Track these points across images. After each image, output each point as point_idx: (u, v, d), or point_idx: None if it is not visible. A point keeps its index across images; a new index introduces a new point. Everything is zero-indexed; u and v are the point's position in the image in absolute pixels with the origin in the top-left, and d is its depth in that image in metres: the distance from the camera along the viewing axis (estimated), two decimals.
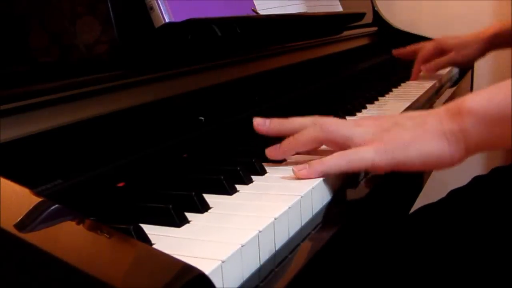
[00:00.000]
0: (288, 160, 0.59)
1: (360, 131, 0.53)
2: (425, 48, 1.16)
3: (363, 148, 0.51)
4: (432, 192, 0.93)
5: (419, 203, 0.79)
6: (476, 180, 0.80)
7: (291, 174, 0.53)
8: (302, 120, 0.56)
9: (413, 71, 1.15)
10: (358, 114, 0.82)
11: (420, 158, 0.50)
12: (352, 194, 0.54)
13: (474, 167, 1.63)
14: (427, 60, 1.15)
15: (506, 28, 1.10)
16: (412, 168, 0.51)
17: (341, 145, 0.53)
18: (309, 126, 0.55)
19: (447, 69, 1.26)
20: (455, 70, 1.34)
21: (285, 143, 0.55)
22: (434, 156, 0.50)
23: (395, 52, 1.23)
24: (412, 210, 0.78)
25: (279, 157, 0.56)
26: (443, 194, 0.79)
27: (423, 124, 0.51)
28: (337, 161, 0.51)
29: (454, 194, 0.77)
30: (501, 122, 0.48)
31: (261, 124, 0.57)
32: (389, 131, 0.52)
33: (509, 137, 0.48)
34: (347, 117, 0.78)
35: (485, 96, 0.49)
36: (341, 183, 0.55)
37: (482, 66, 1.49)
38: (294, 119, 0.57)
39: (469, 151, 0.50)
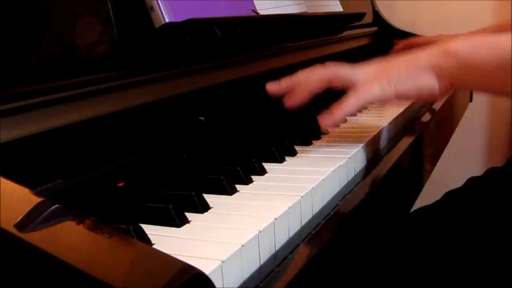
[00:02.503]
0: (288, 161, 0.59)
1: (361, 70, 0.60)
2: (419, 41, 1.15)
3: (370, 85, 0.58)
4: (432, 192, 0.93)
5: (419, 204, 0.79)
6: (471, 181, 0.80)
7: (291, 174, 0.53)
8: (309, 69, 0.63)
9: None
10: (358, 114, 0.82)
11: (415, 89, 0.58)
12: (352, 194, 0.54)
13: (473, 168, 1.63)
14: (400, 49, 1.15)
15: (504, 29, 1.08)
16: (410, 97, 0.60)
17: (346, 81, 0.60)
18: (314, 71, 0.61)
19: None
20: None
21: (298, 89, 0.61)
22: (426, 87, 0.58)
23: (396, 49, 1.22)
24: (412, 210, 0.78)
25: (296, 101, 0.61)
26: (441, 194, 0.79)
27: (415, 61, 0.59)
28: (352, 101, 0.57)
29: (450, 195, 0.78)
30: (478, 70, 0.56)
31: (272, 85, 0.63)
32: (387, 69, 0.59)
33: (484, 84, 0.57)
34: (347, 117, 0.78)
35: (471, 44, 0.57)
36: (341, 183, 0.55)
37: None
38: (301, 71, 0.63)
39: (453, 86, 0.59)
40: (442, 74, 0.58)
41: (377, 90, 0.58)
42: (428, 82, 0.58)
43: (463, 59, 0.56)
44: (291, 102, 0.61)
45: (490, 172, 0.82)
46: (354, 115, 0.81)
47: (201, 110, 0.63)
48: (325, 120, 0.58)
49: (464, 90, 1.31)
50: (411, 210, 0.78)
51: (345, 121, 0.78)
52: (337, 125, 0.59)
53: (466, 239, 0.67)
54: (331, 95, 0.67)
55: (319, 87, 0.61)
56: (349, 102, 0.58)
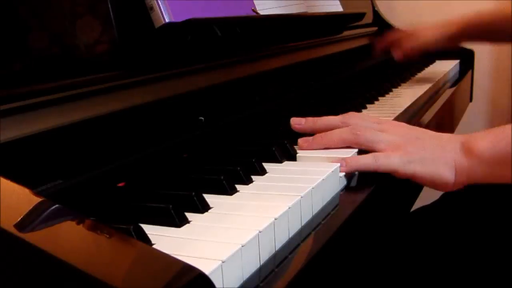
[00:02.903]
0: (288, 161, 0.59)
1: (385, 137, 0.59)
2: (395, 33, 1.18)
3: (392, 155, 0.57)
4: (432, 193, 0.93)
5: (419, 204, 0.79)
6: None
7: (291, 174, 0.53)
8: (333, 119, 0.64)
9: (377, 46, 1.18)
10: None
11: (431, 177, 0.57)
12: (352, 194, 0.54)
13: None
14: (394, 42, 1.16)
15: (480, 19, 1.09)
16: (422, 182, 0.58)
17: (366, 148, 0.60)
18: (340, 128, 0.62)
19: (447, 69, 1.26)
20: (455, 70, 1.34)
21: (318, 139, 0.62)
22: (442, 179, 0.57)
23: (378, 49, 1.22)
24: (411, 210, 0.78)
25: (308, 149, 0.62)
26: (439, 194, 0.79)
27: (442, 147, 0.58)
28: (369, 162, 0.57)
29: (448, 196, 0.78)
30: (501, 165, 0.56)
31: (297, 122, 0.65)
32: (412, 144, 0.58)
33: (507, 175, 0.56)
34: None
35: (492, 140, 0.57)
36: (341, 183, 0.55)
37: (482, 66, 1.50)
38: (325, 118, 0.65)
39: (469, 182, 0.58)
40: (461, 172, 0.57)
41: (396, 162, 0.57)
42: (445, 175, 0.57)
43: (483, 157, 0.56)
44: (304, 147, 0.62)
45: None
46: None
47: (201, 110, 0.63)
48: (340, 164, 0.56)
49: (465, 90, 1.31)
50: (411, 210, 0.78)
51: None
52: (346, 171, 0.57)
53: (464, 239, 0.67)
54: (332, 95, 0.67)
55: (338, 147, 0.61)
56: (366, 161, 0.57)
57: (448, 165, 0.57)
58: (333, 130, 0.62)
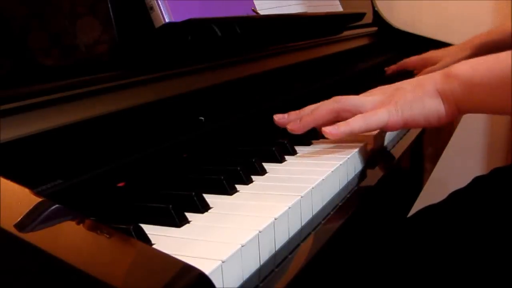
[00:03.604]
0: (288, 161, 0.59)
1: (369, 99, 0.61)
2: (413, 58, 1.17)
3: (379, 110, 0.58)
4: (431, 193, 0.93)
5: (419, 204, 0.79)
6: (477, 180, 0.80)
7: (291, 174, 0.53)
8: (315, 104, 0.64)
9: (390, 68, 1.17)
10: None
11: (422, 114, 0.58)
12: (351, 195, 0.54)
13: (474, 167, 1.63)
14: (410, 67, 1.16)
15: (492, 39, 1.12)
16: (418, 124, 0.59)
17: (355, 113, 0.60)
18: (323, 102, 0.62)
19: None
20: None
21: (306, 117, 0.62)
22: (434, 112, 0.58)
23: (388, 72, 1.23)
24: (412, 210, 0.78)
25: (300, 131, 0.62)
26: (442, 194, 0.79)
27: (421, 85, 0.59)
28: (359, 122, 0.57)
29: (455, 195, 0.77)
30: (481, 88, 0.56)
31: (280, 117, 0.64)
32: (394, 95, 0.60)
33: (489, 102, 0.57)
34: None
35: (471, 65, 0.58)
36: (341, 183, 0.55)
37: None
38: (308, 106, 0.64)
39: (460, 109, 0.58)
40: (447, 98, 0.58)
41: (385, 115, 0.58)
42: (434, 107, 0.58)
43: (464, 80, 0.57)
44: (296, 129, 0.61)
45: (496, 172, 0.82)
46: None
47: (201, 110, 0.63)
48: (330, 130, 0.57)
49: None
50: (413, 210, 0.78)
51: None
52: (338, 137, 0.58)
53: (471, 239, 0.67)
54: (332, 95, 0.67)
55: (327, 119, 0.61)
56: (356, 122, 0.58)
57: (433, 98, 0.58)
58: (318, 105, 0.63)
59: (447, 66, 1.13)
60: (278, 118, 0.64)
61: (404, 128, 0.60)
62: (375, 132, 0.67)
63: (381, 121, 0.58)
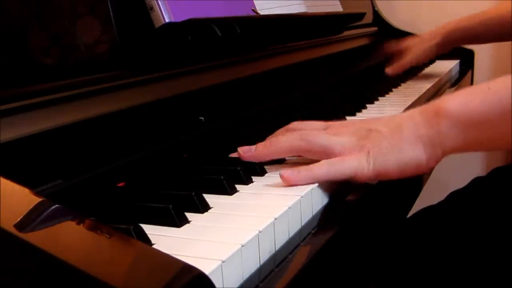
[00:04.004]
0: (288, 160, 0.59)
1: (338, 140, 0.52)
2: (389, 46, 1.22)
3: (347, 158, 0.50)
4: (431, 193, 0.93)
5: (418, 204, 0.79)
6: (476, 181, 0.80)
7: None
8: (277, 132, 0.57)
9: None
10: (358, 114, 0.82)
11: (398, 166, 0.50)
12: (352, 195, 0.54)
13: (473, 167, 1.63)
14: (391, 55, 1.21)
15: (461, 26, 1.15)
16: (391, 176, 0.51)
17: (319, 155, 0.52)
18: (288, 134, 0.55)
19: (447, 69, 1.26)
20: (456, 70, 1.34)
21: (260, 148, 0.54)
22: (411, 163, 0.50)
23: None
24: (412, 211, 0.78)
25: (250, 160, 0.54)
26: (442, 195, 0.78)
27: (399, 130, 0.51)
28: (324, 170, 0.50)
29: (454, 196, 0.77)
30: (476, 126, 0.48)
31: (246, 151, 0.55)
32: (367, 139, 0.51)
33: (484, 141, 0.50)
34: (347, 117, 0.78)
35: (462, 100, 0.50)
36: (340, 184, 0.55)
37: (482, 66, 1.50)
38: (277, 138, 0.55)
39: (445, 153, 0.51)
40: (431, 143, 0.50)
41: (354, 164, 0.50)
42: (414, 156, 0.50)
43: (455, 117, 0.49)
44: (246, 157, 0.54)
45: (495, 172, 0.81)
46: (354, 114, 0.81)
47: (201, 110, 0.63)
48: (289, 175, 0.49)
49: None
50: (413, 210, 0.78)
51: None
52: (297, 184, 0.50)
53: (471, 239, 0.66)
54: (332, 95, 0.67)
55: (286, 156, 0.56)
56: (321, 170, 0.50)
57: (412, 146, 0.50)
58: (280, 136, 0.55)
59: (415, 57, 1.16)
60: (243, 151, 0.55)
61: (375, 180, 0.52)
62: None
63: (349, 172, 0.50)
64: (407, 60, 1.16)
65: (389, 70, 1.17)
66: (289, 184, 0.49)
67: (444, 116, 0.49)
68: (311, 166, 0.50)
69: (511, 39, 1.16)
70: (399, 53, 1.19)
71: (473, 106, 0.48)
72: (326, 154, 0.52)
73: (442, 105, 0.50)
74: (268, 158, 0.55)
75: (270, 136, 0.58)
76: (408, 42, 1.20)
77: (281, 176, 0.49)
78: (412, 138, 0.50)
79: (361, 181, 0.51)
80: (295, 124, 0.58)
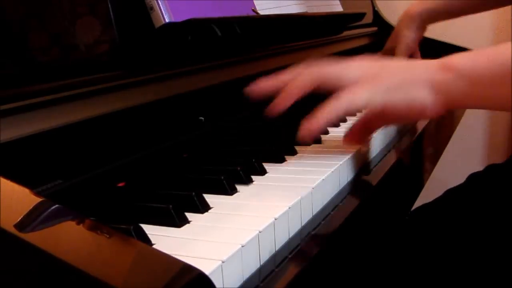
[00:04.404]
0: (288, 161, 0.59)
1: (351, 72, 0.55)
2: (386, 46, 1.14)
3: (358, 90, 0.53)
4: (432, 192, 0.93)
5: (420, 203, 0.79)
6: (472, 177, 0.80)
7: (291, 174, 0.53)
8: (292, 70, 0.58)
9: None
10: (358, 114, 0.82)
11: (406, 102, 0.53)
12: (352, 195, 0.54)
13: (472, 165, 1.63)
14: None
15: (435, 5, 1.08)
16: (398, 111, 0.53)
17: (333, 84, 0.54)
18: (302, 71, 0.57)
19: None
20: None
21: (283, 92, 0.55)
22: (418, 102, 0.53)
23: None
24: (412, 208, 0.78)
25: (282, 106, 0.56)
26: (441, 192, 0.79)
27: (411, 70, 0.54)
28: (337, 105, 0.52)
29: (450, 193, 0.78)
30: (479, 83, 0.52)
31: (254, 87, 0.57)
32: (378, 75, 0.54)
33: (485, 98, 0.53)
34: (348, 117, 0.78)
35: (471, 57, 0.53)
36: (341, 183, 0.55)
37: None
38: (283, 72, 0.57)
39: (448, 103, 0.54)
40: (438, 89, 0.53)
41: (364, 96, 0.52)
42: (421, 96, 0.53)
43: (462, 71, 0.52)
44: (277, 107, 0.56)
45: (490, 169, 0.82)
46: (354, 114, 0.81)
47: (201, 110, 0.63)
48: (307, 127, 0.52)
49: None
50: (412, 209, 0.78)
51: (345, 120, 0.78)
52: (319, 134, 0.54)
53: (466, 236, 0.67)
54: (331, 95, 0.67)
55: (307, 90, 0.56)
56: (333, 106, 0.52)
57: (421, 85, 0.53)
58: (295, 74, 0.57)
59: (403, 52, 1.08)
60: (253, 89, 0.57)
61: (381, 112, 0.55)
62: (376, 132, 0.67)
63: (360, 102, 0.53)
64: (397, 54, 1.09)
65: None
66: (308, 133, 0.52)
67: (452, 69, 0.53)
68: (324, 108, 0.53)
69: (488, 8, 1.09)
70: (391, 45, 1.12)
71: (478, 64, 0.52)
72: (339, 83, 0.54)
73: (452, 59, 0.54)
74: (294, 98, 0.55)
75: (274, 79, 0.59)
76: (388, 45, 1.13)
77: (301, 134, 0.53)
78: (422, 79, 0.53)
79: (370, 112, 0.55)
80: (303, 65, 0.59)
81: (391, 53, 1.11)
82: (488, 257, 0.63)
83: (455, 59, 0.53)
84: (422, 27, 1.10)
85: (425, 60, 0.56)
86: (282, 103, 0.55)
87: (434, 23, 1.14)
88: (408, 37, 1.08)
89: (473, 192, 0.75)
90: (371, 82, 0.53)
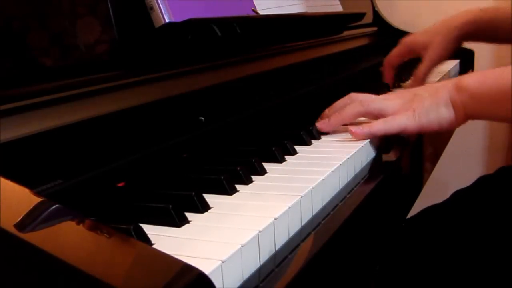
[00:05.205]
0: (288, 161, 0.59)
1: (390, 103, 0.67)
2: (393, 53, 1.05)
3: (398, 116, 0.65)
4: (432, 193, 0.93)
5: (419, 204, 0.79)
6: (482, 180, 0.80)
7: (291, 174, 0.53)
8: (341, 101, 0.72)
9: (385, 76, 1.05)
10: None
11: (437, 120, 0.65)
12: (351, 194, 0.54)
13: (473, 167, 1.63)
14: (396, 63, 1.04)
15: (480, 18, 0.99)
16: (432, 128, 0.66)
17: (376, 115, 0.67)
18: (351, 104, 0.69)
19: (447, 69, 1.26)
20: (455, 70, 1.34)
21: (333, 119, 0.69)
22: (446, 118, 0.65)
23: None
24: (412, 210, 0.78)
25: (329, 130, 0.69)
26: (442, 194, 0.79)
27: (436, 94, 0.66)
28: (380, 126, 0.65)
29: (459, 194, 0.78)
30: (487, 102, 0.63)
31: (323, 123, 0.69)
32: (412, 101, 0.66)
33: (495, 113, 0.64)
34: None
35: (478, 79, 0.64)
36: (341, 183, 0.55)
37: (482, 66, 1.50)
38: (334, 104, 0.72)
39: (468, 116, 0.65)
40: (457, 107, 0.64)
41: (404, 120, 0.64)
42: (447, 114, 0.65)
43: (473, 92, 0.63)
44: (324, 128, 0.69)
45: (501, 171, 0.81)
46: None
47: (201, 110, 0.63)
48: (355, 130, 0.64)
49: None
50: (416, 210, 0.78)
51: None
52: (360, 138, 0.64)
53: (475, 238, 0.67)
54: (332, 95, 0.67)
55: (353, 120, 0.69)
56: (378, 126, 0.65)
57: (445, 105, 0.65)
58: (346, 107, 0.69)
59: (437, 59, 1.00)
60: (321, 127, 0.70)
61: (420, 132, 0.68)
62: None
63: (400, 126, 0.64)
64: (426, 66, 0.98)
65: (412, 82, 1.00)
66: (356, 137, 0.64)
67: (464, 89, 0.64)
68: (371, 124, 0.65)
69: None
70: (409, 55, 1.03)
71: (486, 86, 0.63)
72: (382, 114, 0.67)
73: (463, 80, 0.65)
74: (341, 124, 0.69)
75: (330, 107, 0.73)
76: (413, 40, 1.02)
77: (350, 131, 0.65)
78: (446, 100, 0.65)
79: (409, 133, 0.67)
80: (354, 94, 0.72)
81: (414, 56, 1.02)
82: (496, 258, 0.63)
83: (466, 79, 0.65)
84: (461, 39, 1.01)
85: (444, 81, 0.67)
86: (331, 127, 0.69)
87: (475, 40, 1.06)
88: (440, 52, 1.00)
89: (484, 195, 0.75)
90: (407, 108, 0.66)
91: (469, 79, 0.64)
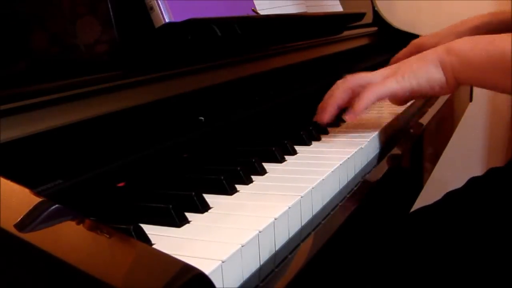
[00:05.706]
0: (288, 161, 0.59)
1: (378, 73, 0.67)
2: (400, 53, 1.02)
3: (387, 80, 0.65)
4: (430, 193, 0.93)
5: (418, 204, 0.79)
6: (472, 181, 0.80)
7: (291, 174, 0.53)
8: (330, 90, 0.70)
9: None
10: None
11: (427, 82, 0.64)
12: (352, 194, 0.54)
13: (473, 168, 1.63)
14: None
15: (489, 21, 1.00)
16: (424, 90, 0.65)
17: (364, 86, 0.65)
18: (338, 83, 0.69)
19: None
20: None
21: (327, 103, 0.68)
22: (437, 80, 0.64)
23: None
24: (412, 210, 0.78)
25: (327, 117, 0.67)
26: (441, 194, 0.79)
27: (424, 57, 0.66)
28: (370, 93, 0.63)
29: (450, 195, 0.78)
30: (476, 68, 0.62)
31: (321, 113, 0.68)
32: (400, 67, 0.66)
33: (483, 80, 0.64)
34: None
35: (470, 44, 0.63)
36: (341, 183, 0.55)
37: None
38: (326, 94, 0.71)
39: (459, 81, 0.64)
40: (446, 68, 0.63)
41: (393, 84, 0.64)
42: (437, 75, 0.64)
43: (463, 56, 0.62)
44: (321, 118, 0.67)
45: (491, 173, 0.82)
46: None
47: (201, 110, 0.63)
48: (349, 114, 0.64)
49: (464, 90, 1.30)
50: (412, 210, 0.78)
51: (344, 121, 0.78)
52: (359, 115, 0.64)
53: (466, 239, 0.67)
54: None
55: (345, 98, 0.67)
56: (368, 94, 0.63)
57: (435, 67, 0.64)
58: (333, 88, 0.69)
59: None
60: (349, 117, 0.68)
61: (411, 95, 0.66)
62: (374, 134, 0.67)
63: (391, 90, 0.64)
64: None
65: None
66: (352, 115, 0.63)
67: (454, 53, 0.63)
68: (360, 96, 0.64)
69: None
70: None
71: (476, 52, 0.62)
72: (370, 85, 0.65)
73: (454, 44, 0.64)
74: (336, 106, 0.68)
75: (322, 101, 0.71)
76: (423, 41, 1.00)
77: (345, 118, 0.66)
78: (435, 61, 0.64)
79: (401, 96, 0.66)
80: (339, 80, 0.71)
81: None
82: (487, 260, 0.63)
83: (457, 44, 0.64)
84: None
85: (434, 47, 0.66)
86: (324, 115, 0.67)
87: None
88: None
89: (474, 196, 0.75)
90: (395, 73, 0.65)
91: (460, 43, 0.64)
